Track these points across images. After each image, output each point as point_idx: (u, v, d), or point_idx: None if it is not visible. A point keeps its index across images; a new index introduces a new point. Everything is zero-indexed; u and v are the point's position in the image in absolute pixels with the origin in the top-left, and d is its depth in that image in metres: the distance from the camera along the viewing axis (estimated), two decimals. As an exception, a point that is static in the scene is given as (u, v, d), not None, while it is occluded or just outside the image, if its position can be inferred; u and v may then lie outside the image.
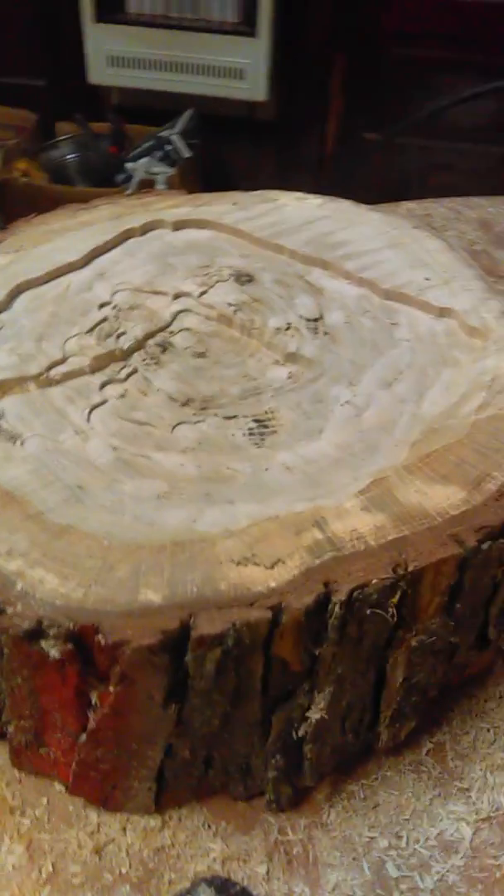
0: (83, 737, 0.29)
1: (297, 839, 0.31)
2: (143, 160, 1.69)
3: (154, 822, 0.31)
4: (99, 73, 1.83)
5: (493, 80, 1.90)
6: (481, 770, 0.33)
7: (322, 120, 1.99)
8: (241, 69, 1.81)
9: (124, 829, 0.31)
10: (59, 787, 0.32)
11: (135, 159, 1.71)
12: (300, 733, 0.30)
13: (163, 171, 1.67)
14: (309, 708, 0.29)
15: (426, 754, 0.34)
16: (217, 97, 1.85)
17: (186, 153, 1.75)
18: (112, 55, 1.80)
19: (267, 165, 2.00)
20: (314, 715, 0.29)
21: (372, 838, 0.31)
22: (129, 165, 1.68)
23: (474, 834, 0.31)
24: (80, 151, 1.73)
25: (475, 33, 1.86)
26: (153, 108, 1.88)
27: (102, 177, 1.73)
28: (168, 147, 1.72)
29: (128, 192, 1.66)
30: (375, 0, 1.83)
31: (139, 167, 1.67)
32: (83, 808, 0.31)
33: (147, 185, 1.67)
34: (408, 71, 1.94)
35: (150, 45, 1.81)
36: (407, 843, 0.31)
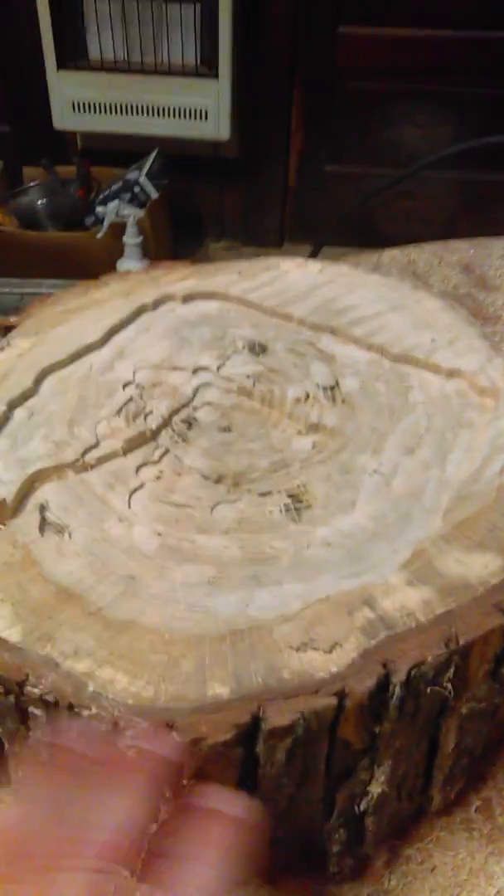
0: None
1: (363, 909, 0.32)
2: (113, 203, 1.71)
3: (223, 903, 0.31)
4: (63, 118, 1.85)
5: (455, 111, 1.95)
6: (530, 824, 0.34)
7: (284, 155, 2.03)
8: (204, 109, 1.85)
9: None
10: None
11: (104, 202, 1.73)
12: (362, 807, 0.31)
13: (132, 212, 1.70)
14: (370, 782, 0.30)
15: (475, 811, 0.35)
16: (181, 138, 1.88)
17: (154, 194, 1.78)
18: (75, 100, 1.82)
19: (233, 202, 2.04)
20: (375, 789, 0.30)
21: (434, 902, 0.32)
22: (98, 209, 1.70)
23: (531, 890, 0.32)
24: (48, 196, 1.75)
25: (425, 66, 1.92)
26: (119, 151, 1.90)
27: (72, 220, 1.74)
28: (136, 189, 1.74)
29: (99, 234, 1.68)
30: (330, 37, 1.88)
31: (109, 210, 1.69)
32: None
33: (117, 227, 1.69)
34: (363, 104, 1.99)
35: (112, 90, 1.84)
36: (468, 905, 0.32)
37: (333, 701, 0.27)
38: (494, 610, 0.31)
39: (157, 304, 0.48)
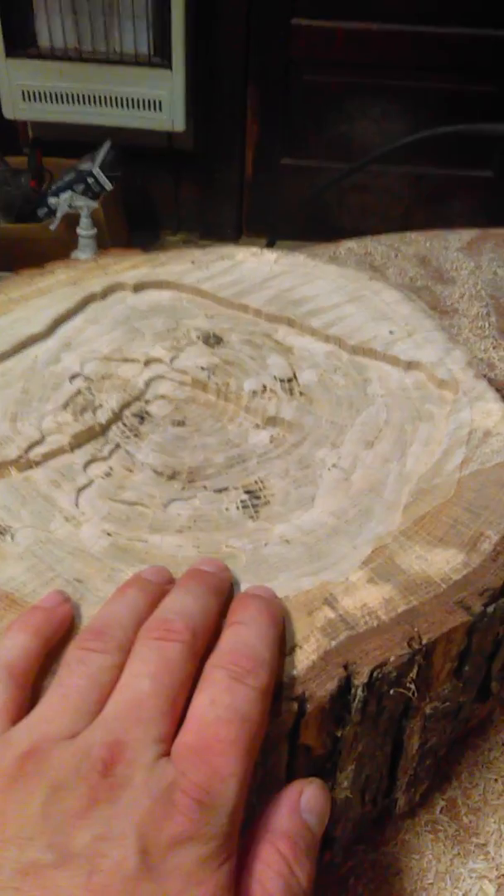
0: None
1: (326, 919, 0.31)
2: (65, 194, 1.68)
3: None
4: (13, 107, 1.81)
5: (409, 105, 1.96)
6: (495, 823, 0.34)
7: (240, 147, 2.01)
8: (158, 100, 1.82)
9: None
10: None
11: (56, 193, 1.70)
12: (324, 813, 0.30)
13: (86, 203, 1.66)
14: (332, 788, 0.29)
15: (440, 812, 0.34)
16: (135, 128, 1.85)
17: (108, 185, 1.74)
18: (26, 89, 1.78)
19: (188, 194, 2.01)
20: (339, 795, 0.29)
21: (399, 908, 0.31)
22: (51, 200, 1.67)
23: (497, 891, 0.32)
24: (-1, 188, 1.70)
25: (380, 60, 1.92)
26: (71, 141, 1.86)
27: (24, 212, 1.70)
28: (90, 180, 1.71)
29: (52, 226, 1.64)
30: (284, 29, 1.87)
31: (62, 201, 1.66)
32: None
33: (71, 219, 1.66)
34: (318, 97, 1.99)
35: (63, 79, 1.80)
36: (434, 910, 0.31)
37: (294, 706, 0.26)
38: (457, 607, 0.30)
39: (106, 294, 0.46)
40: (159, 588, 0.28)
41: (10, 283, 0.46)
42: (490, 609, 0.30)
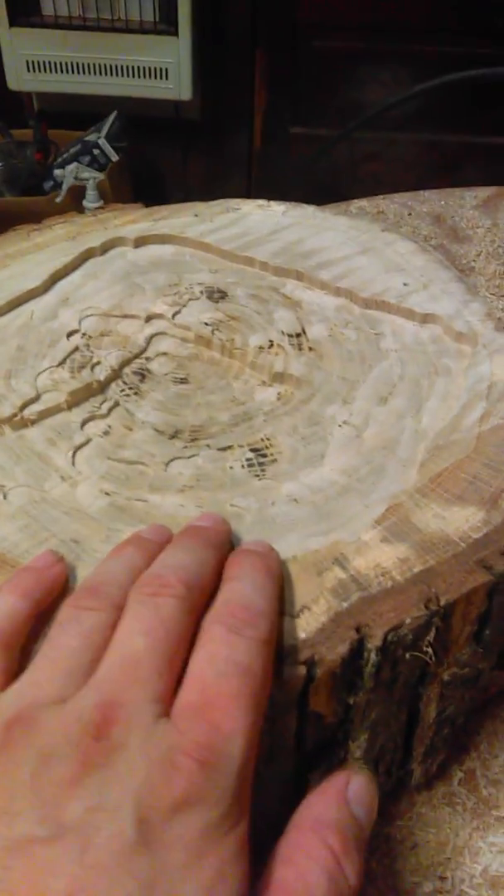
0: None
1: (339, 895, 0.29)
2: (71, 166, 1.64)
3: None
4: (18, 78, 1.78)
5: (420, 70, 1.91)
6: (516, 796, 0.32)
7: (248, 116, 1.97)
8: (165, 68, 1.78)
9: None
10: None
11: (62, 165, 1.67)
12: (336, 785, 0.28)
13: (92, 175, 1.63)
14: (345, 758, 0.27)
15: (458, 784, 0.32)
16: (142, 98, 1.81)
17: (114, 157, 1.71)
18: (30, 60, 1.75)
19: (196, 164, 1.98)
20: (351, 765, 0.27)
21: (416, 883, 0.29)
22: (57, 172, 1.64)
23: (519, 866, 0.30)
24: (4, 160, 1.68)
25: (391, 23, 1.87)
26: (77, 112, 1.83)
27: (30, 185, 1.67)
28: (96, 151, 1.68)
29: (58, 199, 1.61)
30: (294, -6, 1.82)
31: (67, 173, 1.63)
32: None
33: (77, 191, 1.63)
34: (328, 63, 1.94)
35: (68, 48, 1.76)
36: (453, 885, 0.29)
37: (302, 670, 0.24)
38: (477, 567, 0.28)
39: (105, 249, 0.44)
40: (158, 547, 0.26)
41: (6, 239, 0.44)
42: (512, 569, 0.28)
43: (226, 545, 0.27)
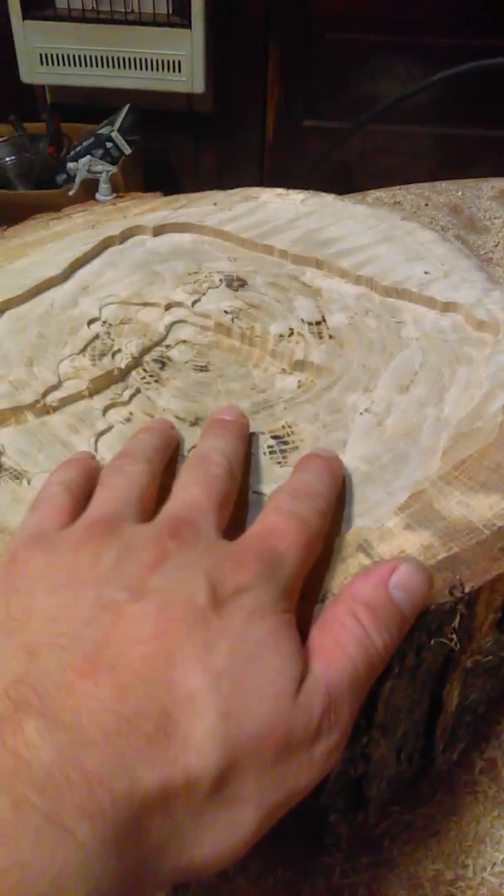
0: None
1: (361, 880, 0.29)
2: (84, 159, 1.64)
3: (208, 879, 0.29)
4: (31, 72, 1.78)
5: (433, 63, 1.90)
6: (538, 785, 0.32)
7: (261, 109, 1.97)
8: (177, 61, 1.78)
9: (176, 889, 0.29)
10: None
11: (75, 159, 1.67)
12: (359, 771, 0.28)
13: (104, 168, 1.63)
14: (367, 745, 0.27)
15: (479, 773, 0.32)
16: (154, 91, 1.81)
17: (127, 150, 1.71)
18: (43, 53, 1.75)
19: (209, 158, 1.97)
20: (374, 752, 0.27)
21: (437, 871, 0.29)
22: (70, 165, 1.64)
23: (541, 855, 0.30)
24: (17, 154, 1.68)
25: (404, 15, 1.86)
26: (90, 106, 1.83)
27: (43, 178, 1.68)
28: (108, 144, 1.68)
29: (71, 192, 1.61)
30: (307, -15, 1.81)
31: (80, 166, 1.63)
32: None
33: (89, 184, 1.63)
34: (341, 56, 1.93)
35: (81, 41, 1.76)
36: (474, 873, 0.29)
37: (327, 655, 0.24)
38: (501, 554, 0.28)
39: (125, 237, 0.44)
40: (169, 431, 0.31)
41: (26, 227, 0.44)
42: (537, 556, 0.28)
43: (247, 436, 0.31)
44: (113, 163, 1.66)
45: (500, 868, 0.30)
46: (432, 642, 0.26)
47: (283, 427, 0.34)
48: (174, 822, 0.18)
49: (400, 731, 0.29)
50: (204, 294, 0.40)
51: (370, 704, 0.27)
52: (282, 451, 0.33)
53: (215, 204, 0.46)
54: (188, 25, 1.74)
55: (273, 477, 0.31)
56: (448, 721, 0.30)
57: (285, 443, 0.33)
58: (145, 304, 0.40)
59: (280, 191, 0.48)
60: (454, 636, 0.26)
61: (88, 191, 1.60)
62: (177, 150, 1.99)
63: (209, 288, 0.41)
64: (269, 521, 0.25)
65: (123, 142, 1.68)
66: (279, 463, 0.32)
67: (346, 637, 0.22)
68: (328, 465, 0.29)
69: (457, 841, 0.30)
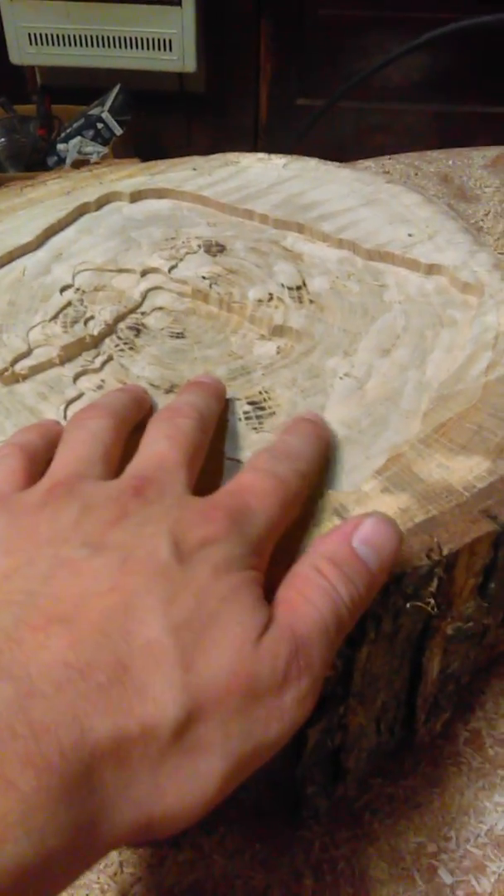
0: None
1: (341, 854, 0.28)
2: (75, 140, 1.62)
3: (183, 855, 0.28)
4: (20, 52, 1.75)
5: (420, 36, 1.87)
6: (524, 755, 0.31)
7: (254, 88, 1.94)
8: (168, 40, 1.75)
9: (150, 867, 0.28)
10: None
11: (66, 140, 1.65)
12: (336, 742, 0.27)
13: (95, 149, 1.61)
14: (345, 714, 0.27)
15: (463, 744, 0.32)
16: (145, 70, 1.79)
17: (118, 130, 1.69)
18: (32, 32, 1.72)
19: (201, 137, 1.95)
20: (352, 721, 0.27)
21: (419, 843, 0.29)
22: (60, 147, 1.62)
23: (526, 825, 0.29)
24: (7, 136, 1.66)
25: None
26: (80, 87, 1.81)
27: (34, 160, 1.66)
28: (99, 125, 1.66)
29: (61, 174, 1.59)
30: (299, -40, 1.78)
31: (71, 147, 1.61)
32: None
33: (81, 166, 1.61)
34: (334, 33, 1.90)
35: (71, 20, 1.73)
36: (457, 845, 0.29)
37: (298, 620, 0.23)
38: (482, 516, 0.27)
39: (101, 204, 0.42)
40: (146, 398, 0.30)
41: (-3, 195, 0.43)
42: (519, 519, 0.27)
43: (224, 399, 0.30)
44: (104, 144, 1.64)
45: (484, 840, 0.29)
46: (409, 606, 0.25)
47: (260, 393, 0.33)
48: (130, 772, 0.17)
49: (379, 701, 0.28)
50: (181, 260, 0.39)
51: (346, 672, 0.26)
52: (258, 417, 0.32)
53: (194, 169, 0.45)
54: (178, 3, 1.72)
55: (249, 443, 0.30)
56: (429, 690, 0.29)
57: (262, 408, 0.32)
58: (120, 271, 0.38)
59: (261, 155, 0.46)
60: (431, 600, 0.25)
61: (79, 172, 1.58)
62: (169, 130, 1.96)
63: (187, 254, 0.40)
64: (245, 479, 0.24)
65: (114, 122, 1.66)
66: (255, 429, 0.31)
67: (310, 589, 0.21)
68: (314, 429, 0.28)
69: (440, 813, 0.30)
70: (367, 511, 0.26)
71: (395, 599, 0.25)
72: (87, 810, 0.17)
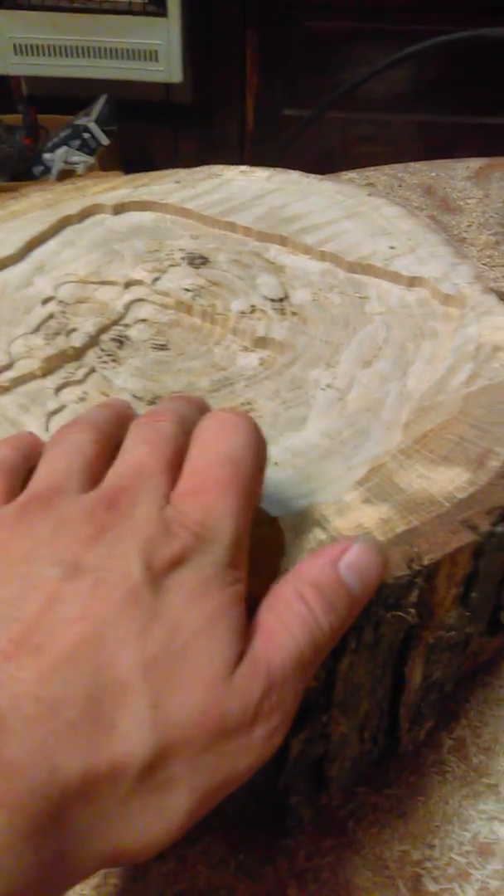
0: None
1: (326, 863, 0.28)
2: (61, 150, 1.63)
3: (167, 866, 0.28)
4: (5, 62, 1.76)
5: (406, 48, 1.88)
6: (507, 763, 0.31)
7: (240, 99, 1.95)
8: (154, 50, 1.76)
9: (134, 878, 0.28)
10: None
11: (52, 150, 1.65)
12: (320, 751, 0.27)
13: (82, 159, 1.62)
14: (328, 724, 0.27)
15: (447, 752, 0.32)
16: (131, 81, 1.79)
17: (104, 140, 1.69)
18: (18, 43, 1.72)
19: (187, 148, 1.95)
20: (335, 731, 0.27)
21: (404, 852, 0.29)
22: (46, 156, 1.62)
23: (509, 833, 0.29)
24: (-8, 145, 1.65)
25: (384, 2, 1.85)
26: (66, 97, 1.81)
27: (20, 170, 1.66)
28: (86, 135, 1.66)
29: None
30: (284, -28, 1.80)
31: (57, 157, 1.61)
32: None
33: (66, 176, 1.61)
34: (320, 43, 1.91)
35: (56, 31, 1.74)
36: (441, 853, 0.29)
37: (279, 632, 0.24)
38: (462, 527, 0.27)
39: (83, 216, 0.43)
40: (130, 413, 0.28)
41: (-20, 208, 0.43)
42: (499, 529, 0.27)
43: (206, 410, 0.28)
44: (90, 153, 1.64)
45: (468, 847, 0.29)
46: (390, 616, 0.25)
47: (243, 404, 0.33)
48: (98, 810, 0.17)
49: (362, 710, 0.28)
50: (165, 272, 0.39)
51: (328, 681, 0.26)
52: (240, 428, 0.32)
53: (178, 182, 0.45)
54: (164, 14, 1.73)
55: (231, 454, 0.30)
56: (412, 699, 0.29)
57: (244, 419, 0.32)
58: (103, 283, 0.39)
59: (244, 168, 0.47)
60: (412, 610, 0.25)
61: (66, 182, 1.58)
62: (155, 140, 1.97)
63: (170, 266, 0.40)
64: (198, 470, 0.23)
65: (101, 132, 1.67)
66: (237, 440, 0.31)
67: (291, 617, 0.21)
68: (243, 417, 0.27)
69: (424, 821, 0.30)
70: (351, 528, 0.27)
71: (377, 609, 0.25)
72: (55, 848, 0.17)
